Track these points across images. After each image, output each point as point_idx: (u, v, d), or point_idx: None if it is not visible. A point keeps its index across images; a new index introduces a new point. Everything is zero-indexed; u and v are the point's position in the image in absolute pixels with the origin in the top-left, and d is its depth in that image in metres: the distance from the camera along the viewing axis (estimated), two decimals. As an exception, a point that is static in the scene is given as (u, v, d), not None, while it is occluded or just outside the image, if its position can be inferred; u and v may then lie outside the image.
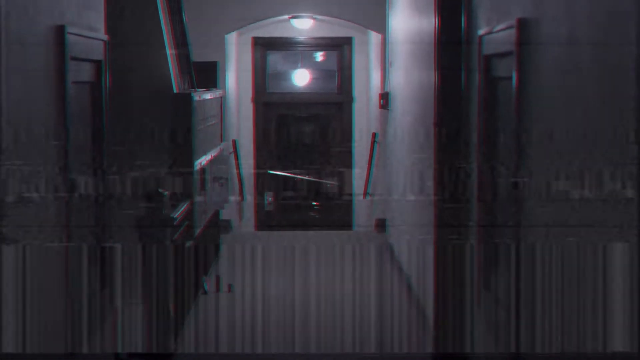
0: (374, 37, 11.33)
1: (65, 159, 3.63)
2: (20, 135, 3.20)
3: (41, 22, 3.45)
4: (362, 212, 12.53)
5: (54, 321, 3.65)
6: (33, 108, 3.36)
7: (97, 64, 4.19)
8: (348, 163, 12.92)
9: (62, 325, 3.74)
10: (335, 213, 12.99)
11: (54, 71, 3.54)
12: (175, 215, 6.12)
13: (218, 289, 7.96)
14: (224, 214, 10.05)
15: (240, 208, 12.05)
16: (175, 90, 6.89)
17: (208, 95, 7.75)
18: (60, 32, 3.58)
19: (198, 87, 8.15)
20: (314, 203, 13.08)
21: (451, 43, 5.01)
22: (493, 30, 4.01)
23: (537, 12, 3.35)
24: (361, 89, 12.67)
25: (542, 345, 3.36)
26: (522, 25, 3.50)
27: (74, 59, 3.74)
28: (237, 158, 11.56)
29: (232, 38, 11.41)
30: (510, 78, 3.68)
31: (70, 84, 3.66)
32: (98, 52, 4.17)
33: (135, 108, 6.05)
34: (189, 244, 6.87)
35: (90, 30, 4.07)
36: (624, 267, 2.50)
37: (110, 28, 4.51)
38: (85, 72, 4.02)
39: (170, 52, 6.98)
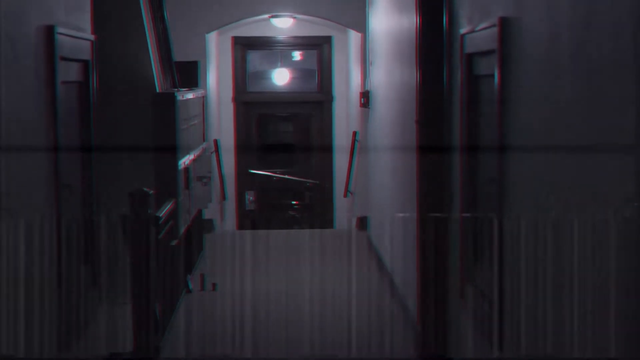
0: (354, 36, 11.40)
1: (55, 156, 3.67)
2: (13, 132, 3.25)
3: (31, 22, 3.49)
4: (343, 211, 12.60)
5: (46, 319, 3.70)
6: (24, 106, 3.40)
7: (85, 63, 4.23)
8: (329, 161, 12.99)
9: (54, 322, 3.78)
10: (316, 211, 13.05)
11: (44, 70, 3.58)
12: (160, 215, 6.16)
13: (202, 287, 8.00)
14: (206, 214, 10.09)
15: (222, 207, 12.09)
16: (157, 90, 6.93)
17: (190, 95, 7.79)
18: (49, 32, 3.62)
19: (180, 87, 8.19)
20: (294, 202, 13.13)
21: (433, 42, 5.09)
22: (475, 29, 4.09)
23: (519, 11, 3.43)
24: (341, 87, 12.74)
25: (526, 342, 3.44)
26: (505, 24, 3.58)
27: (63, 58, 3.78)
28: (218, 157, 11.60)
29: (212, 38, 11.45)
30: (492, 75, 3.76)
31: (59, 83, 3.70)
32: (85, 52, 4.21)
33: (119, 107, 6.09)
34: (173, 242, 6.91)
35: (78, 30, 4.11)
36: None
37: (96, 28, 4.55)
38: (73, 72, 4.06)
39: (152, 51, 7.02)
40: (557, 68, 3.00)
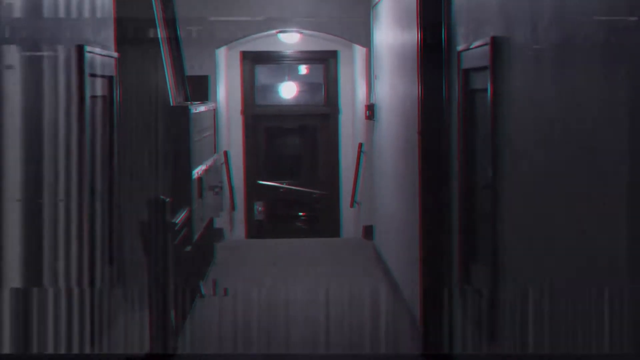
0: (359, 51, 11.74)
1: (84, 162, 4.01)
2: (45, 143, 3.58)
3: (64, 42, 3.83)
4: (349, 220, 12.90)
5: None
6: (56, 118, 3.74)
7: (109, 79, 4.57)
8: (335, 172, 13.31)
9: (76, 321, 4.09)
10: (323, 221, 13.35)
11: (75, 86, 3.92)
12: (176, 221, 6.49)
13: (215, 292, 8.32)
14: (217, 223, 10.41)
15: (231, 218, 12.41)
16: (172, 103, 7.27)
17: (203, 108, 8.13)
18: (80, 51, 3.96)
19: (192, 100, 8.54)
20: (301, 214, 13.43)
21: (433, 57, 5.42)
22: (470, 47, 4.42)
23: (508, 31, 3.76)
24: (347, 100, 13.06)
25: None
26: (496, 43, 3.90)
27: (92, 75, 4.12)
28: (228, 168, 11.93)
29: (222, 52, 11.79)
30: (485, 90, 4.09)
31: (88, 97, 4.04)
32: (110, 68, 4.55)
33: (138, 119, 6.43)
34: (187, 248, 7.24)
35: (104, 48, 4.45)
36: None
37: (118, 46, 4.89)
38: (99, 87, 4.40)
39: (167, 67, 7.37)
40: (540, 82, 3.32)
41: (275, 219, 13.33)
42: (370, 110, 10.30)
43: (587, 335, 2.85)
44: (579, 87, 2.93)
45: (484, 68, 4.12)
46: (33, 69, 3.42)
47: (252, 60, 13.16)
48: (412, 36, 6.59)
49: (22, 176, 3.29)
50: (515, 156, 3.71)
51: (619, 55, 2.55)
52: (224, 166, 11.66)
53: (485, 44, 4.02)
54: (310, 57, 13.25)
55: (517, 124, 3.67)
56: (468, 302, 4.72)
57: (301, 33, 12.19)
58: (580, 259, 2.89)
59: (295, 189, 13.34)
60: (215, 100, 10.50)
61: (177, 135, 6.89)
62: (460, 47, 4.70)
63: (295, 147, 13.57)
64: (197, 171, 7.48)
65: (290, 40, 12.53)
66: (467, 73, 4.61)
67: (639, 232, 2.40)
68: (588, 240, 2.82)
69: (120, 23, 5.11)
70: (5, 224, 3.09)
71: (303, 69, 13.35)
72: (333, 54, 13.13)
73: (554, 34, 3.17)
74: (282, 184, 13.33)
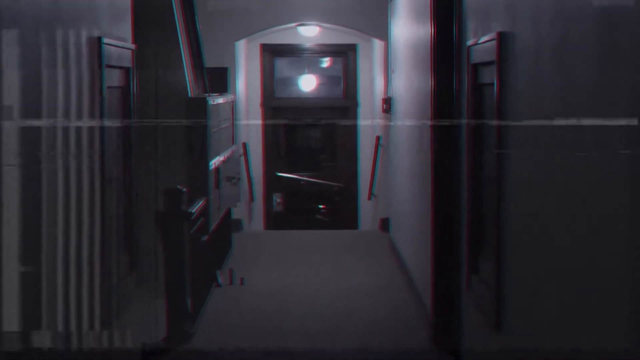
0: (378, 45, 11.82)
1: (102, 152, 4.13)
2: (67, 132, 3.71)
3: (82, 34, 3.95)
4: (367, 213, 13.00)
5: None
6: (75, 109, 3.86)
7: (126, 70, 4.69)
8: (353, 165, 13.40)
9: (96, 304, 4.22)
10: (341, 214, 13.45)
11: (93, 77, 4.04)
12: (192, 211, 6.61)
13: (231, 282, 8.44)
14: (235, 214, 10.54)
15: (249, 209, 12.53)
16: (190, 95, 7.39)
17: (221, 100, 8.24)
18: (97, 42, 4.08)
19: (211, 92, 8.65)
20: (320, 206, 13.54)
21: (445, 52, 5.50)
22: (478, 42, 4.50)
23: (513, 26, 3.84)
24: (366, 94, 13.15)
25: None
26: (502, 38, 3.98)
27: (109, 66, 4.24)
28: (247, 160, 12.05)
29: (241, 45, 11.91)
30: (492, 84, 4.17)
31: (105, 88, 4.16)
32: (127, 59, 4.67)
33: (155, 111, 6.55)
34: (204, 238, 7.35)
35: (120, 40, 4.57)
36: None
37: (136, 38, 5.01)
38: (116, 78, 4.52)
39: (185, 59, 7.48)
40: (540, 77, 3.40)
41: (294, 211, 13.45)
42: (388, 103, 10.39)
43: (591, 328, 2.92)
44: (579, 80, 3.01)
45: (491, 63, 4.20)
46: (50, 60, 3.54)
47: (272, 52, 13.27)
48: (426, 29, 6.67)
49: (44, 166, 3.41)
50: (519, 149, 3.79)
51: (617, 48, 2.63)
52: (242, 158, 11.77)
53: (492, 39, 4.10)
54: (329, 51, 13.34)
55: (521, 117, 3.75)
56: (475, 293, 4.82)
57: (321, 26, 12.28)
58: (586, 250, 2.96)
59: (314, 182, 13.45)
60: (234, 92, 10.61)
61: (194, 127, 7.01)
62: (469, 42, 4.79)
63: (314, 140, 13.67)
64: (215, 162, 7.59)
65: (310, 33, 12.62)
66: (476, 67, 4.69)
67: None
68: (593, 231, 2.89)
69: (138, 14, 5.23)
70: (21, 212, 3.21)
71: (324, 62, 13.43)
72: (352, 47, 13.21)
73: (555, 29, 3.25)
74: (301, 176, 13.44)
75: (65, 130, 3.71)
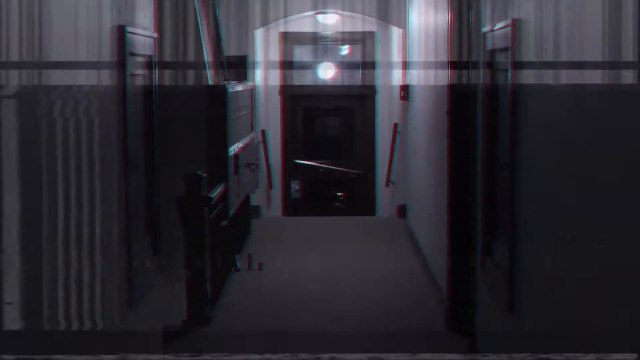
0: (396, 32, 11.88)
1: (125, 137, 4.25)
2: (93, 116, 3.82)
3: (106, 23, 4.06)
4: (385, 200, 13.09)
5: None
6: (101, 96, 3.98)
7: (149, 58, 4.80)
8: (372, 152, 13.48)
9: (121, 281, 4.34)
10: (359, 201, 13.55)
11: (117, 65, 4.16)
12: (212, 196, 6.73)
13: (250, 266, 8.57)
14: (253, 201, 10.66)
15: (268, 195, 12.65)
16: (210, 82, 7.50)
17: (240, 87, 8.35)
18: (121, 31, 4.19)
19: (230, 80, 8.76)
20: (339, 193, 13.63)
21: (461, 39, 5.58)
22: (494, 29, 4.58)
23: (528, 13, 3.92)
24: (384, 81, 13.22)
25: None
26: (517, 25, 4.06)
27: (132, 54, 4.35)
28: (265, 147, 12.16)
29: (260, 33, 12.00)
30: (507, 70, 4.25)
31: (129, 75, 4.27)
32: (149, 48, 4.78)
33: (176, 98, 6.66)
34: (223, 223, 7.47)
35: (143, 28, 4.68)
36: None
37: (158, 26, 5.12)
38: (139, 66, 4.63)
39: (205, 47, 7.60)
40: (555, 64, 3.49)
41: (312, 197, 13.55)
42: (405, 91, 10.46)
43: (605, 310, 2.99)
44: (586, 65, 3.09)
45: (506, 49, 4.28)
46: (77, 49, 3.65)
47: (291, 40, 13.35)
48: (443, 17, 6.75)
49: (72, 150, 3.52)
50: (533, 135, 3.87)
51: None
52: (261, 145, 11.88)
53: (507, 26, 4.18)
54: (348, 38, 13.40)
55: (535, 103, 3.84)
56: (489, 276, 4.91)
57: (339, 14, 12.35)
58: (599, 234, 3.04)
59: (332, 169, 13.54)
60: (253, 80, 10.72)
61: (213, 114, 7.12)
62: (485, 29, 4.87)
63: (333, 128, 13.75)
64: (234, 148, 7.71)
65: (328, 21, 12.70)
66: (491, 54, 4.77)
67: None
68: (606, 214, 2.96)
69: (160, 4, 5.33)
70: (45, 196, 3.33)
71: (343, 50, 13.50)
72: (371, 35, 13.27)
73: (568, 16, 3.34)
74: (320, 163, 13.54)
75: (89, 116, 3.82)
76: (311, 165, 13.54)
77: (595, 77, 3.04)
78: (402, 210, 11.18)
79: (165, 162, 5.43)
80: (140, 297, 4.62)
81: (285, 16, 11.74)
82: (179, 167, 6.51)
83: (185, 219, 6.50)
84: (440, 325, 6.69)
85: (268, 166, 12.32)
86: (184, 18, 6.99)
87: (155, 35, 4.93)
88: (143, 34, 4.62)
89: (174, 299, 6.68)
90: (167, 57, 6.34)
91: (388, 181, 12.36)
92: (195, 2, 7.29)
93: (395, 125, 11.91)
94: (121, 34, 4.19)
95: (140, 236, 4.67)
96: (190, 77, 7.21)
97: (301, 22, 12.89)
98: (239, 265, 8.48)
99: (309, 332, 6.75)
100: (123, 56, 4.20)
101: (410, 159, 10.33)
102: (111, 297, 4.21)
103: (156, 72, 4.89)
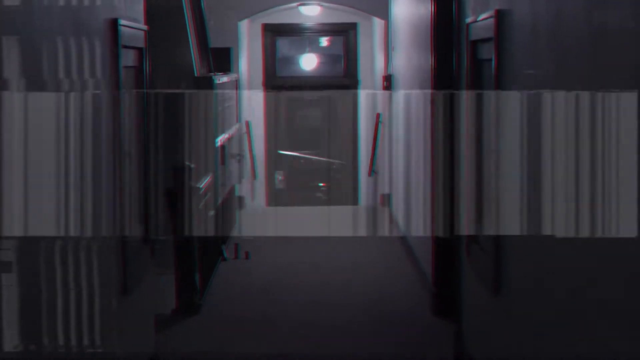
0: (378, 23, 11.98)
1: (119, 127, 4.34)
2: (87, 106, 3.91)
3: (99, 16, 4.14)
4: (368, 189, 13.20)
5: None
6: (95, 87, 4.06)
7: (140, 50, 4.89)
8: (354, 143, 13.59)
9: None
10: (342, 190, 13.66)
11: (110, 57, 4.24)
12: (201, 186, 6.83)
13: (237, 256, 8.66)
14: (238, 191, 10.75)
15: (252, 186, 12.74)
16: (196, 74, 7.58)
17: (225, 79, 8.44)
18: (114, 24, 4.28)
19: (215, 71, 8.84)
20: (321, 184, 13.74)
21: (444, 29, 5.70)
22: (477, 19, 4.70)
23: (511, 4, 4.03)
24: (366, 72, 13.31)
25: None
26: (500, 16, 4.18)
27: (124, 47, 4.44)
28: (249, 138, 12.25)
29: (244, 25, 12.07)
30: (490, 60, 4.37)
31: (122, 68, 4.36)
32: (141, 40, 4.87)
33: (165, 89, 6.74)
34: (211, 213, 7.57)
35: (135, 21, 4.77)
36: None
37: (147, 19, 5.20)
38: (131, 58, 4.72)
39: (192, 39, 7.67)
40: (537, 53, 3.60)
41: (296, 188, 13.66)
42: (388, 81, 10.58)
43: (591, 292, 3.09)
44: (570, 53, 3.21)
45: (489, 39, 4.40)
46: (74, 42, 3.74)
47: (274, 32, 13.42)
48: (426, 8, 6.86)
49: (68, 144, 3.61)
50: (515, 121, 3.99)
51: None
52: (245, 136, 11.97)
53: (491, 17, 4.30)
54: (330, 29, 13.49)
55: (517, 89, 3.95)
56: (474, 260, 5.03)
57: (321, 5, 12.44)
58: (583, 217, 3.16)
59: (315, 159, 13.64)
60: (237, 72, 10.79)
61: (200, 105, 7.21)
62: (468, 20, 4.98)
63: (315, 118, 13.86)
64: (220, 139, 7.80)
65: (311, 12, 12.78)
66: (475, 44, 4.89)
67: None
68: (590, 198, 3.07)
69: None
70: (39, 181, 3.41)
71: (323, 41, 13.59)
72: (353, 26, 13.37)
73: (549, 7, 3.45)
74: (303, 154, 13.63)
75: (80, 104, 3.90)
76: (295, 155, 13.64)
77: (579, 67, 3.16)
78: (386, 199, 11.31)
79: (156, 153, 5.52)
80: (132, 286, 4.72)
81: (269, 8, 11.82)
82: (168, 157, 6.60)
83: (174, 209, 6.59)
84: (426, 311, 6.81)
85: (252, 157, 12.41)
86: (172, 11, 7.07)
87: (145, 27, 5.01)
88: (134, 27, 4.71)
89: (164, 287, 6.77)
90: (155, 49, 6.41)
91: (371, 170, 12.47)
92: (182, -6, 7.36)
93: (378, 115, 12.03)
94: (114, 26, 4.27)
95: (134, 224, 4.76)
96: (178, 69, 7.29)
97: (284, 14, 12.96)
98: (226, 254, 8.58)
99: (294, 319, 6.83)
100: (116, 48, 4.29)
101: (394, 148, 10.45)
102: (102, 285, 4.29)
103: (147, 64, 4.98)
